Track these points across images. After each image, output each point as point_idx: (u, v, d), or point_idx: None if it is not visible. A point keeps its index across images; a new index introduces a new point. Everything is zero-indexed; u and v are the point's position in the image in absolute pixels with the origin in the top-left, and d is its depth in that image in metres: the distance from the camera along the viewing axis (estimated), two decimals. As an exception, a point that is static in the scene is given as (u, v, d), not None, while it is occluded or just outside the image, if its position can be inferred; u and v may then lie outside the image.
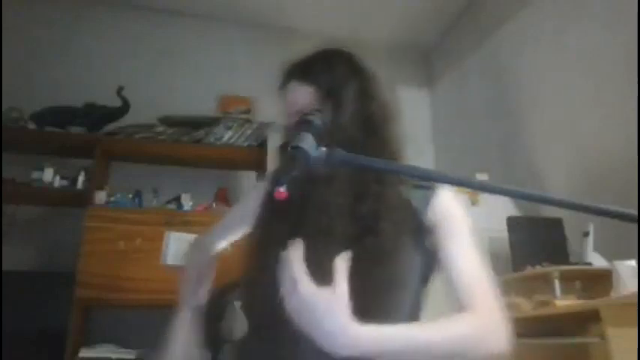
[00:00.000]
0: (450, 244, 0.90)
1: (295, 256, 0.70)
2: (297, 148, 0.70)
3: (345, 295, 0.68)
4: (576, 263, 2.12)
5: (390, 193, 0.90)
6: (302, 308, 0.68)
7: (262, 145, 3.00)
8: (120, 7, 3.47)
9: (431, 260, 0.92)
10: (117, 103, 2.92)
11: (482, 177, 2.56)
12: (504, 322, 0.82)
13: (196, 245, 1.18)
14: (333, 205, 0.84)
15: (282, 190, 0.66)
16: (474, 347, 0.77)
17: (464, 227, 0.93)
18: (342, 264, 0.70)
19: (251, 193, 1.16)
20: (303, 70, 1.00)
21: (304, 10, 3.58)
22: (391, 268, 0.84)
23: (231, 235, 1.13)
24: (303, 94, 0.95)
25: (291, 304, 0.69)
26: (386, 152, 0.91)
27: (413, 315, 0.93)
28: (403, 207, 0.90)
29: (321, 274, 0.70)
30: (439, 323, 0.79)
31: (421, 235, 0.90)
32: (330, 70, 0.99)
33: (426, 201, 0.94)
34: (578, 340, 1.89)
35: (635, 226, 0.59)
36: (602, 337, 1.63)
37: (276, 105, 1.01)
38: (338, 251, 0.72)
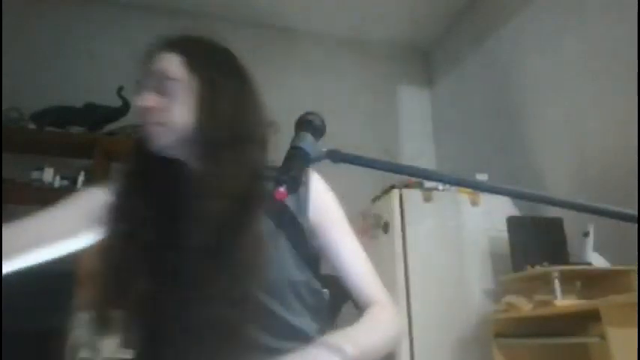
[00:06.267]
0: (336, 242, 0.92)
1: None
2: (296, 148, 0.70)
3: None
4: (576, 263, 2.12)
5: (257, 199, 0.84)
6: None
7: (262, 145, 2.99)
8: (120, 7, 3.47)
9: (314, 257, 0.93)
10: (117, 103, 2.91)
11: (482, 177, 2.56)
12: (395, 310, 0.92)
13: None
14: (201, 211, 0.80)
15: (282, 190, 0.65)
16: (394, 339, 0.89)
17: (342, 219, 0.95)
18: None
19: (81, 195, 0.95)
20: (174, 42, 0.92)
21: (304, 10, 3.58)
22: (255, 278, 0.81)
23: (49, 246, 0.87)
24: (172, 63, 0.87)
25: None
26: (255, 144, 0.88)
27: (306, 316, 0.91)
28: (277, 214, 0.87)
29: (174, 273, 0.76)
30: (370, 325, 0.85)
31: (302, 237, 0.90)
32: (206, 46, 0.92)
33: (305, 201, 0.91)
34: (578, 340, 1.89)
35: (635, 226, 0.59)
36: (602, 337, 1.63)
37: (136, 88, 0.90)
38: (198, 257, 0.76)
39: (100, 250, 0.85)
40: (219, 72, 0.88)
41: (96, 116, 2.91)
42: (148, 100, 0.85)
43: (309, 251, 0.91)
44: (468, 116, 3.52)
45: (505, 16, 3.14)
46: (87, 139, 2.85)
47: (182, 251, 0.79)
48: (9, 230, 0.86)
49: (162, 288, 0.78)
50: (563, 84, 2.62)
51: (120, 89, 2.91)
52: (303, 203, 0.91)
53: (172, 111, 0.85)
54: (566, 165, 2.55)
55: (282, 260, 0.86)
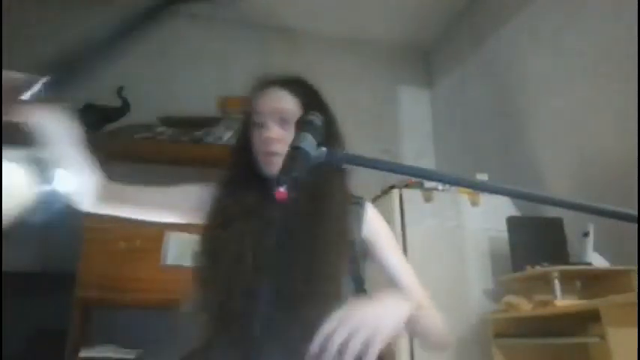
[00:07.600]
0: (387, 255, 1.10)
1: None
2: (297, 148, 0.70)
3: None
4: (576, 263, 2.12)
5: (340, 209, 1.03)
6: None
7: (262, 145, 2.99)
8: (119, 8, 3.47)
9: (359, 270, 1.07)
10: (117, 103, 2.91)
11: (482, 177, 2.56)
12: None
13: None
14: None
15: (282, 190, 0.65)
16: (446, 337, 1.04)
17: (393, 238, 1.15)
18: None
19: (185, 186, 1.27)
20: (286, 83, 1.10)
21: (304, 10, 3.58)
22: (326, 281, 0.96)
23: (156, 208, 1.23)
24: (290, 103, 1.06)
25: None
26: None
27: None
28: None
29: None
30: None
31: (351, 248, 1.04)
32: (310, 88, 1.13)
33: (359, 218, 1.09)
34: (578, 340, 1.89)
35: (635, 226, 0.59)
36: (602, 337, 1.63)
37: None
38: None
39: (202, 235, 1.07)
40: (322, 112, 1.02)
41: (96, 116, 2.91)
42: (276, 132, 1.04)
43: (354, 260, 1.05)
44: (468, 116, 3.52)
45: (505, 16, 3.14)
46: (87, 139, 2.85)
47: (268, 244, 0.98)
48: (131, 187, 1.26)
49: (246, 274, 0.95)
50: (563, 84, 2.62)
51: (120, 89, 2.91)
52: (356, 220, 1.08)
53: None
54: (566, 165, 2.55)
55: None
